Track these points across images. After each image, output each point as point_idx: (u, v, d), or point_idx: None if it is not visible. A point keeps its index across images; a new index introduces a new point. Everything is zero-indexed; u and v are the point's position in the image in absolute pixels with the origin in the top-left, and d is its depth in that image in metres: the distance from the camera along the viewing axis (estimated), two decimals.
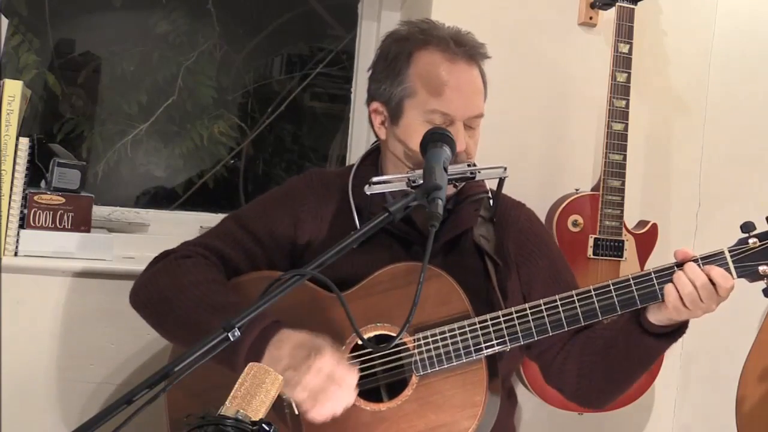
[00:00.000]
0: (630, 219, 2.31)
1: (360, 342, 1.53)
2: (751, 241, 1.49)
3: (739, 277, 1.49)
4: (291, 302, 1.51)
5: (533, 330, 1.52)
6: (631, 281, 1.50)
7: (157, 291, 1.60)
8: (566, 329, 1.53)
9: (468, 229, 1.68)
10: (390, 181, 1.53)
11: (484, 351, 1.52)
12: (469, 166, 1.55)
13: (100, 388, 2.06)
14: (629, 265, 2.26)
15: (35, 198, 2.00)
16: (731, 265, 1.48)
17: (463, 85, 1.61)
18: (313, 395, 1.42)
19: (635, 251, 2.27)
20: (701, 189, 2.54)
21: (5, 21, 2.18)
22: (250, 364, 1.12)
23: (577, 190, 2.28)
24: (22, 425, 2.00)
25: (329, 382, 1.42)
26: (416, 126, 1.60)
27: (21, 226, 2.00)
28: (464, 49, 1.63)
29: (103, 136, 2.68)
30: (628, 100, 2.24)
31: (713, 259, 1.48)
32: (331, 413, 1.44)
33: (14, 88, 1.96)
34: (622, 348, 1.58)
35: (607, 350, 1.60)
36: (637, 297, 1.50)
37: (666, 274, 1.49)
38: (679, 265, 1.49)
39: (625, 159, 2.23)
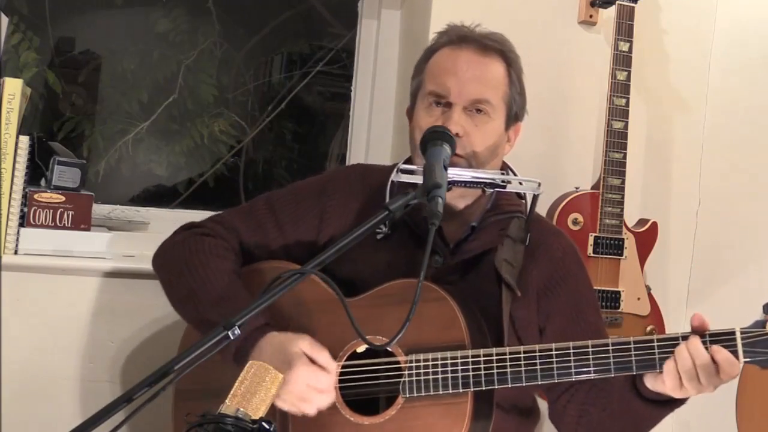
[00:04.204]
0: (630, 217, 2.31)
1: (357, 351, 1.53)
2: None
3: (747, 362, 1.37)
4: (303, 298, 1.51)
5: (522, 375, 1.46)
6: (632, 345, 1.42)
7: (172, 260, 1.67)
8: (555, 381, 1.46)
9: (491, 249, 1.61)
10: (416, 173, 1.49)
11: (471, 387, 1.47)
12: (502, 173, 1.52)
13: (100, 387, 2.06)
14: (629, 264, 2.26)
15: (35, 196, 2.00)
16: (740, 348, 1.36)
17: (461, 67, 1.60)
18: (293, 404, 1.46)
19: (635, 249, 2.27)
20: (701, 187, 2.54)
21: (5, 19, 2.18)
22: (250, 362, 1.12)
23: (577, 188, 2.28)
24: (21, 424, 2.00)
25: (306, 392, 1.45)
26: (421, 115, 1.61)
27: (21, 225, 1.99)
28: (474, 39, 1.63)
29: (103, 135, 2.68)
30: (628, 98, 2.24)
31: (722, 337, 1.37)
32: (315, 411, 1.47)
33: (14, 86, 1.96)
34: (615, 408, 1.53)
35: (604, 405, 1.56)
36: (634, 363, 1.41)
37: (669, 345, 1.40)
38: (685, 337, 1.39)
39: (625, 157, 2.23)
